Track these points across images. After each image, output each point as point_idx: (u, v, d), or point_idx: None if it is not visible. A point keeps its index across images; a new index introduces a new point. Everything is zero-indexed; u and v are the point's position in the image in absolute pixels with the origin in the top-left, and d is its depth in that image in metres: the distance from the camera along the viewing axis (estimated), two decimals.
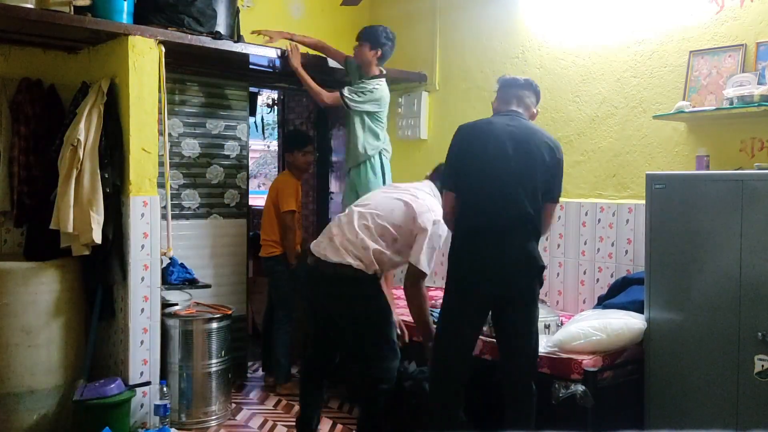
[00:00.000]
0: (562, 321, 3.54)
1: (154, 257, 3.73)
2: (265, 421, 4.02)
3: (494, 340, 3.34)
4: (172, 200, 4.06)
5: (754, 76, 3.25)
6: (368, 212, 3.21)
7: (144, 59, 3.68)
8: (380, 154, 4.24)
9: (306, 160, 4.71)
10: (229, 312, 4.07)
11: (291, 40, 4.37)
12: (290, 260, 4.48)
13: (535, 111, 3.17)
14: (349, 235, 3.15)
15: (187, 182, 4.55)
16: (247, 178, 4.91)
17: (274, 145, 9.92)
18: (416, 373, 3.48)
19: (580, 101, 4.14)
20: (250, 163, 5.12)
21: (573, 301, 4.12)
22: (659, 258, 3.17)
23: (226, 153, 4.74)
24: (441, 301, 3.08)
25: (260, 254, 4.65)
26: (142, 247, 3.68)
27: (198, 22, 3.88)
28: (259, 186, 11.21)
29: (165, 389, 3.69)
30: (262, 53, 4.22)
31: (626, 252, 3.86)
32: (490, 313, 3.03)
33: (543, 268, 2.95)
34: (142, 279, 3.69)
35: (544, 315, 3.49)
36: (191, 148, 4.57)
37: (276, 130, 7.50)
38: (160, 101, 3.80)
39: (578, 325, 3.19)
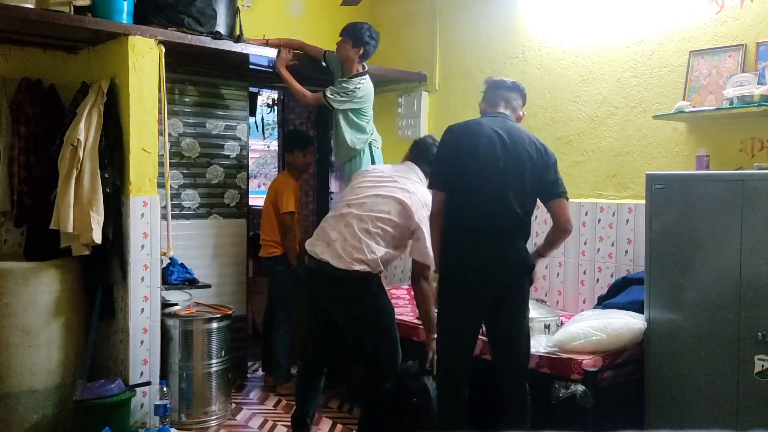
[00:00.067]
0: (562, 321, 3.55)
1: (154, 257, 3.73)
2: (265, 421, 4.02)
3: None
4: (172, 200, 4.06)
5: (754, 76, 3.25)
6: (365, 215, 3.18)
7: (144, 59, 3.68)
8: (370, 145, 4.27)
9: (306, 161, 4.72)
10: (229, 312, 4.07)
11: (266, 45, 4.31)
12: (290, 260, 4.48)
13: (521, 113, 3.18)
14: (352, 241, 3.13)
15: (187, 182, 4.55)
16: (247, 178, 4.91)
17: (274, 145, 9.94)
18: (418, 372, 3.48)
19: (580, 101, 4.14)
20: (250, 163, 5.12)
21: (573, 301, 4.12)
22: (659, 258, 3.17)
23: (226, 153, 4.75)
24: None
25: (260, 254, 4.65)
26: (142, 247, 3.68)
27: (198, 22, 3.89)
28: (259, 186, 11.22)
29: (165, 389, 3.69)
30: (262, 53, 4.22)
31: (626, 252, 3.86)
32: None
33: (532, 266, 2.98)
34: (142, 279, 3.69)
35: (544, 315, 3.50)
36: (191, 148, 4.57)
37: (276, 130, 7.51)
38: (160, 101, 3.80)
39: (578, 325, 3.19)
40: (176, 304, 3.97)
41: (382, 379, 3.22)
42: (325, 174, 5.79)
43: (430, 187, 3.07)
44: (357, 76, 4.19)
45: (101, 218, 3.54)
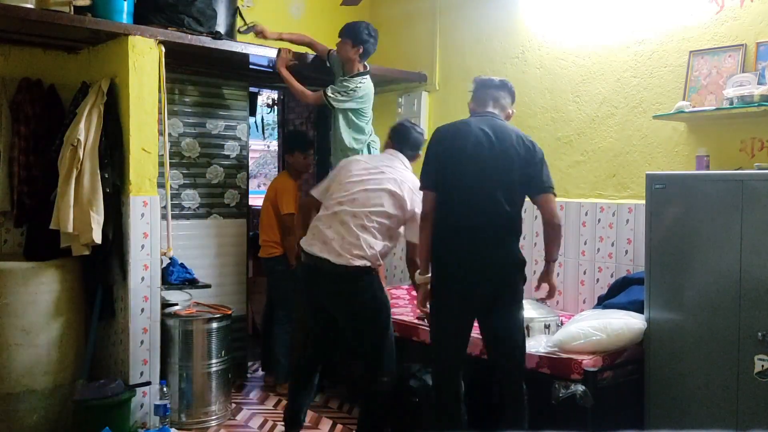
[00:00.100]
0: (562, 321, 3.55)
1: (154, 257, 3.73)
2: (265, 421, 4.02)
3: None
4: (172, 200, 4.06)
5: (754, 76, 3.25)
6: (359, 211, 3.20)
7: (144, 59, 3.68)
8: (368, 146, 4.28)
9: (306, 163, 4.72)
10: (229, 312, 4.07)
11: (280, 39, 4.39)
12: (291, 261, 4.48)
13: (510, 111, 3.20)
14: (349, 238, 3.15)
15: (187, 182, 4.55)
16: (247, 178, 4.91)
17: (274, 145, 9.94)
18: (420, 372, 3.49)
19: (580, 101, 4.14)
20: (250, 163, 5.12)
21: (573, 301, 4.12)
22: (659, 258, 3.17)
23: (226, 153, 4.75)
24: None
25: (260, 255, 4.65)
26: (142, 247, 3.68)
27: (198, 22, 3.89)
28: (259, 186, 11.22)
29: (165, 389, 3.69)
30: (262, 53, 4.22)
31: (626, 252, 3.86)
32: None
33: (524, 263, 2.98)
34: (142, 279, 3.69)
35: (544, 315, 3.50)
36: (191, 148, 4.57)
37: (276, 130, 7.52)
38: (160, 101, 3.80)
39: (578, 325, 3.19)
40: (176, 304, 3.97)
41: (381, 375, 3.23)
42: (325, 174, 5.76)
43: (420, 187, 3.08)
44: (358, 75, 4.19)
45: (101, 218, 3.55)
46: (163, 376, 3.77)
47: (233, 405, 4.20)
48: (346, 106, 4.15)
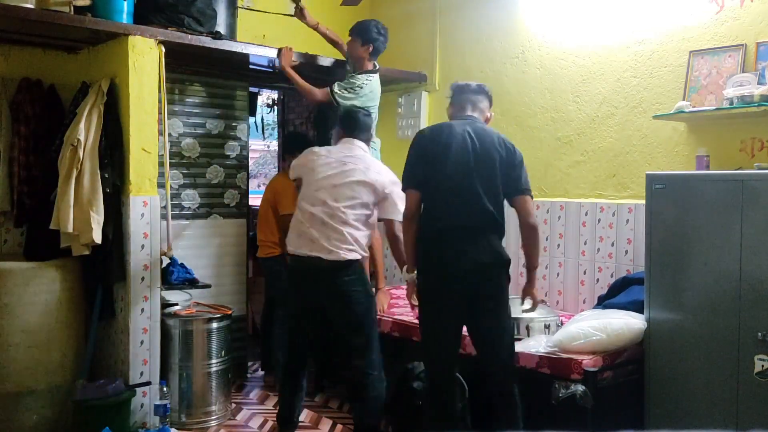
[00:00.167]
0: (562, 321, 3.54)
1: (154, 257, 3.73)
2: (265, 421, 4.02)
3: None
4: (172, 200, 4.05)
5: (754, 76, 3.25)
6: (335, 207, 3.26)
7: (144, 59, 3.68)
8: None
9: None
10: (229, 312, 4.07)
11: (316, 28, 4.51)
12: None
13: (489, 115, 3.25)
14: (335, 234, 3.23)
15: (187, 182, 4.55)
16: (247, 178, 4.91)
17: (274, 145, 9.93)
18: (422, 374, 3.48)
19: (580, 101, 4.14)
20: (250, 163, 5.12)
21: (573, 301, 4.12)
22: (659, 258, 3.17)
23: (226, 153, 4.74)
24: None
25: (258, 255, 4.64)
26: (142, 247, 3.68)
27: (198, 22, 3.88)
28: (259, 186, 11.21)
29: (165, 389, 3.69)
30: (262, 53, 4.22)
31: (626, 252, 3.86)
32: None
33: (509, 262, 3.00)
34: (142, 279, 3.69)
35: (544, 315, 3.49)
36: (191, 148, 4.57)
37: (276, 130, 7.51)
38: (160, 101, 3.80)
39: (578, 325, 3.19)
40: (176, 304, 3.97)
41: (373, 366, 3.33)
42: None
43: (403, 188, 3.08)
44: (365, 73, 4.22)
45: (101, 218, 3.54)
46: (163, 376, 3.77)
47: (233, 405, 4.20)
48: (352, 104, 4.15)
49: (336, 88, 4.14)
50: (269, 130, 9.41)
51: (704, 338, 3.00)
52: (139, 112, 3.68)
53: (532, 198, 3.04)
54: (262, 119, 7.23)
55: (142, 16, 3.76)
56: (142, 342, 3.69)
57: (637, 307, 3.29)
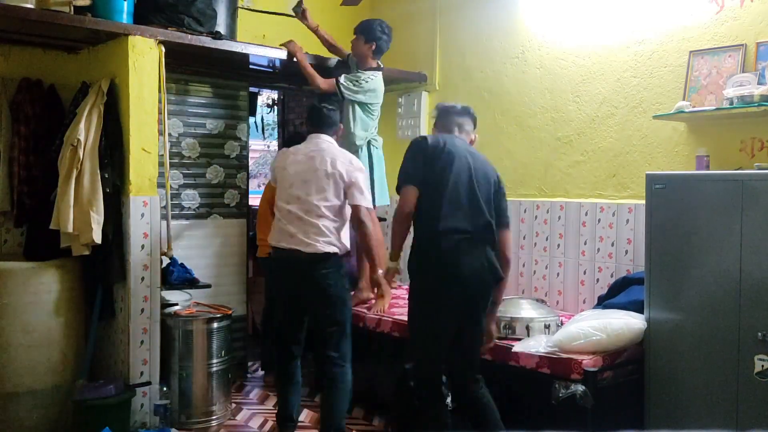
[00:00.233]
0: (562, 321, 3.54)
1: (154, 257, 3.73)
2: (265, 421, 4.02)
3: (494, 341, 3.34)
4: (172, 200, 4.05)
5: (754, 76, 3.25)
6: (308, 202, 3.37)
7: (144, 59, 3.68)
8: (369, 144, 4.31)
9: None
10: (229, 312, 4.06)
11: (315, 30, 4.55)
12: None
13: (473, 137, 3.30)
14: (312, 228, 3.34)
15: (187, 182, 4.55)
16: (247, 178, 4.91)
17: (274, 145, 9.93)
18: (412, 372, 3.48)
19: (580, 101, 4.14)
20: (250, 163, 5.12)
21: (573, 301, 4.12)
22: (659, 258, 3.17)
23: (226, 153, 4.74)
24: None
25: (258, 255, 4.64)
26: (142, 247, 3.68)
27: (198, 22, 3.88)
28: (258, 186, 11.21)
29: (165, 389, 3.69)
30: (262, 53, 4.22)
31: (626, 252, 3.86)
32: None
33: (501, 279, 3.07)
34: (142, 279, 3.69)
35: (544, 315, 3.49)
36: (191, 148, 4.57)
37: (276, 130, 7.51)
38: (160, 101, 3.79)
39: (578, 325, 3.19)
40: (176, 304, 3.97)
41: (344, 360, 3.43)
42: None
43: (401, 184, 3.06)
44: (370, 70, 4.27)
45: (101, 218, 3.54)
46: (163, 376, 3.77)
47: (233, 405, 4.20)
48: (356, 98, 4.22)
49: (342, 80, 4.20)
50: (269, 130, 9.41)
51: (704, 338, 3.00)
52: (139, 112, 3.68)
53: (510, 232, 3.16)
54: (262, 119, 7.23)
55: (142, 16, 3.76)
56: (142, 342, 3.69)
57: (637, 307, 3.29)
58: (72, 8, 3.45)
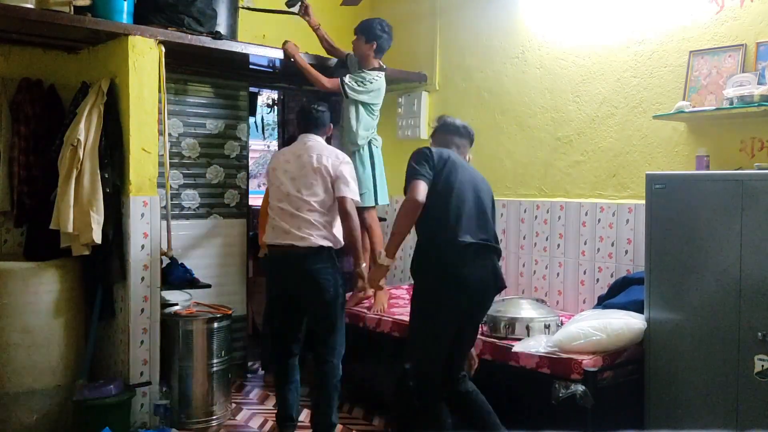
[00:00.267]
0: (562, 321, 3.54)
1: (154, 257, 3.73)
2: (265, 421, 4.02)
3: (494, 340, 3.35)
4: (172, 200, 4.06)
5: (754, 76, 3.25)
6: (301, 196, 3.43)
7: (144, 59, 3.68)
8: (369, 144, 4.32)
9: None
10: (229, 312, 4.06)
11: (317, 29, 4.55)
12: None
13: (469, 157, 3.34)
14: (305, 224, 3.40)
15: (187, 182, 4.55)
16: (247, 178, 4.91)
17: (274, 145, 9.92)
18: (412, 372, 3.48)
19: (580, 101, 4.14)
20: (250, 163, 5.12)
21: (573, 301, 4.12)
22: (659, 258, 3.17)
23: (226, 153, 4.74)
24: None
25: (259, 255, 4.64)
26: (142, 247, 3.68)
27: (198, 22, 3.88)
28: (258, 186, 11.20)
29: (165, 389, 3.69)
30: (262, 53, 4.22)
31: (626, 252, 3.86)
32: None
33: (504, 288, 3.13)
34: (142, 279, 3.69)
35: (544, 315, 3.50)
36: (191, 148, 4.57)
37: (276, 130, 7.50)
38: (160, 101, 3.80)
39: (578, 325, 3.19)
40: (176, 304, 3.97)
41: (333, 356, 3.47)
42: None
43: (412, 177, 3.00)
44: (375, 70, 4.28)
45: (101, 218, 3.54)
46: (163, 376, 3.77)
47: (233, 405, 4.20)
48: (360, 98, 4.22)
49: (347, 80, 4.20)
50: (269, 130, 9.40)
51: (704, 338, 3.00)
52: (139, 112, 3.68)
53: None
54: (262, 119, 7.23)
55: (142, 16, 3.76)
56: (142, 342, 3.69)
57: (637, 307, 3.29)
58: (72, 8, 3.45)
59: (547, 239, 4.25)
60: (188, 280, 4.03)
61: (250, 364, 5.02)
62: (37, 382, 3.54)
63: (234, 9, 4.27)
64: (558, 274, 4.21)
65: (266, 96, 6.37)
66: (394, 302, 4.29)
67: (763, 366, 2.82)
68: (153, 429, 3.63)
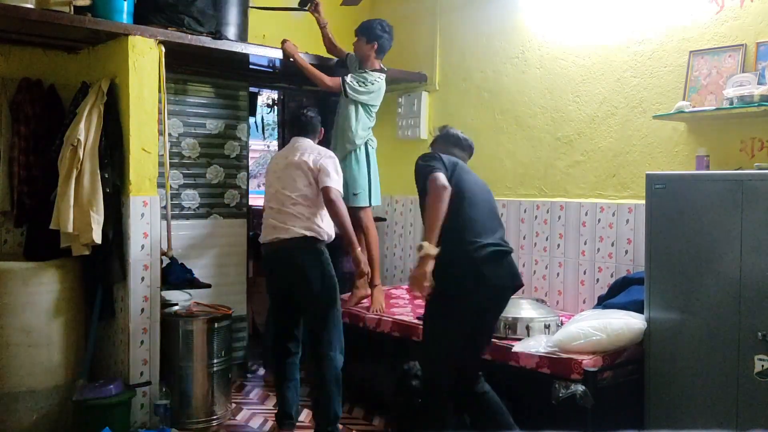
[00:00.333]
0: (562, 321, 3.54)
1: (154, 257, 3.73)
2: (265, 421, 4.02)
3: (494, 340, 3.35)
4: (172, 200, 4.06)
5: (754, 76, 3.25)
6: (285, 192, 3.54)
7: (144, 59, 3.68)
8: (366, 144, 4.33)
9: None
10: (229, 312, 4.06)
11: (324, 27, 4.57)
12: None
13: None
14: (289, 218, 3.51)
15: (187, 182, 4.55)
16: (247, 178, 4.91)
17: (274, 145, 9.93)
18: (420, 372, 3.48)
19: (580, 101, 4.14)
20: (250, 163, 5.12)
21: (573, 301, 4.12)
22: (659, 258, 3.17)
23: (226, 153, 4.74)
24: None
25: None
26: (142, 247, 3.68)
27: (198, 22, 3.88)
28: (258, 186, 11.19)
29: (165, 389, 3.69)
30: (262, 53, 4.22)
31: (626, 252, 3.86)
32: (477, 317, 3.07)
33: (522, 285, 3.15)
34: (142, 279, 3.69)
35: (544, 315, 3.50)
36: (191, 148, 4.57)
37: (276, 130, 7.50)
38: (160, 101, 3.79)
39: (578, 325, 3.19)
40: (176, 304, 3.97)
41: (329, 349, 3.48)
42: None
43: (432, 169, 2.93)
44: (377, 71, 4.29)
45: (101, 218, 3.54)
46: (163, 376, 3.77)
47: (233, 405, 4.20)
48: (359, 98, 4.23)
49: (349, 79, 4.21)
50: (269, 130, 9.41)
51: (704, 338, 3.00)
52: (139, 112, 3.68)
53: None
54: (262, 119, 7.22)
55: (142, 16, 3.76)
56: (142, 342, 3.69)
57: (637, 307, 3.29)
58: (72, 8, 3.45)
59: (547, 239, 4.26)
60: (188, 280, 4.03)
61: (250, 364, 5.02)
62: (37, 382, 3.53)
63: (245, 10, 4.28)
64: (558, 274, 4.21)
65: (266, 96, 6.36)
66: (394, 302, 4.29)
67: (763, 366, 2.82)
68: (153, 429, 3.63)
